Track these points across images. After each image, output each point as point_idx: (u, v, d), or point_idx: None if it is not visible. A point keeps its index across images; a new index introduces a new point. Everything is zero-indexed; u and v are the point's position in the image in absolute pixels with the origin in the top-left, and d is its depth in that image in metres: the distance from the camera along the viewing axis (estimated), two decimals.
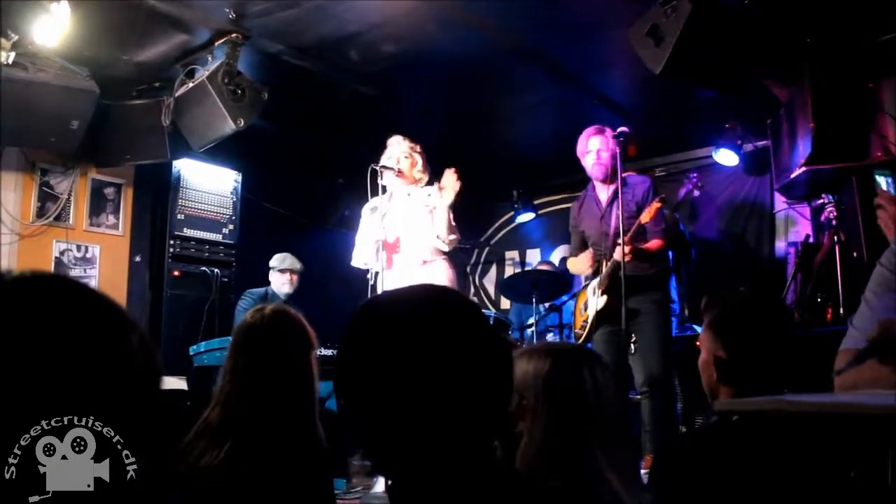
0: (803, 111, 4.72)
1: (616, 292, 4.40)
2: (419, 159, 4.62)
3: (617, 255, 4.35)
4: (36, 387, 0.76)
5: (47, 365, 0.77)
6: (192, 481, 2.05)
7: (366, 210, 4.68)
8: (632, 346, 4.78)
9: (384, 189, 4.49)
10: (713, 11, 3.91)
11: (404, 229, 4.55)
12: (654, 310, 4.52)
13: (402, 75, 5.39)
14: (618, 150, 4.44)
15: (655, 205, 4.36)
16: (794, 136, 4.95)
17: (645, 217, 4.38)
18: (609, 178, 4.63)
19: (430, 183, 4.69)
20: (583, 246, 4.93)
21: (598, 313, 4.61)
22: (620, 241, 4.30)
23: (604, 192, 4.71)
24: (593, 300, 4.69)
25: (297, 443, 2.14)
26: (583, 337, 4.75)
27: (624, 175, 4.68)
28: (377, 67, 5.31)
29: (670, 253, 5.51)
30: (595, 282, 4.70)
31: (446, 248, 4.57)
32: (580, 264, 4.82)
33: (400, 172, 4.54)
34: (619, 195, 4.39)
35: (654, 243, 4.57)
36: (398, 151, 4.59)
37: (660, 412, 4.49)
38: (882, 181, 2.01)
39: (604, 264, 4.57)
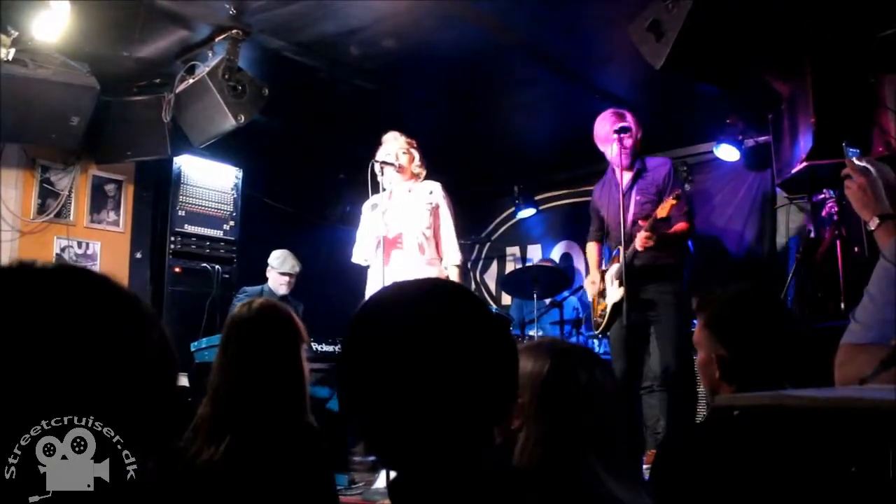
0: (804, 106, 4.72)
1: (635, 282, 4.36)
2: (416, 154, 4.63)
3: (637, 242, 4.31)
4: (56, 384, 0.76)
5: (67, 362, 0.76)
6: (191, 478, 2.05)
7: (366, 207, 4.68)
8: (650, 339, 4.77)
9: (383, 186, 4.50)
10: (714, 6, 3.90)
11: (404, 226, 4.55)
12: (672, 301, 4.45)
13: (402, 71, 5.39)
14: (637, 139, 4.45)
15: (670, 202, 4.30)
16: (795, 131, 4.95)
17: (660, 212, 4.31)
18: (631, 164, 4.61)
19: (428, 177, 4.70)
20: (601, 228, 4.89)
21: (616, 304, 4.54)
22: (642, 229, 4.27)
23: (625, 177, 4.64)
24: (611, 290, 4.64)
25: (289, 434, 2.15)
26: (602, 325, 4.70)
27: (644, 158, 4.69)
28: (378, 63, 5.30)
29: None
30: (613, 271, 4.64)
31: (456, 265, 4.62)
32: (590, 285, 4.84)
33: (401, 168, 4.54)
34: (619, 186, 4.39)
35: (679, 226, 4.52)
36: (396, 147, 4.59)
37: (675, 406, 4.45)
38: (853, 156, 2.00)
39: (621, 253, 4.44)
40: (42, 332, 0.77)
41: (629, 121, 4.57)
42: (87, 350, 0.78)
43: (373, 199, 4.55)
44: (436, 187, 4.62)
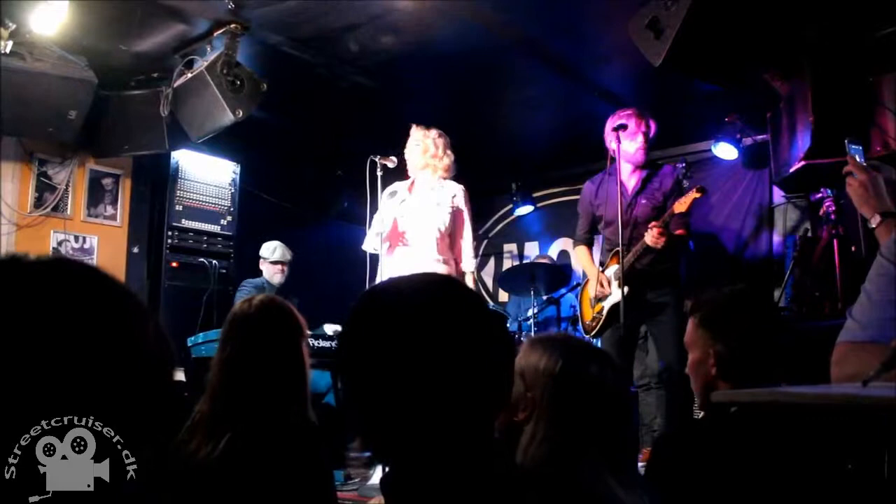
0: (803, 105, 4.71)
1: (635, 285, 4.36)
2: (431, 145, 4.55)
3: (648, 238, 4.29)
4: (49, 383, 0.75)
5: (62, 360, 0.76)
6: (189, 476, 2.05)
7: (385, 194, 4.60)
8: (646, 340, 4.76)
9: (407, 176, 4.47)
10: (713, 4, 3.90)
11: (416, 222, 4.50)
12: (672, 304, 4.46)
13: (401, 67, 5.38)
14: (618, 145, 4.44)
15: (693, 195, 4.29)
16: (793, 130, 4.95)
17: (680, 206, 4.30)
18: (642, 165, 4.59)
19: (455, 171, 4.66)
20: (592, 230, 4.86)
21: (614, 306, 4.51)
22: (652, 226, 4.26)
23: (632, 179, 4.62)
24: (610, 291, 4.64)
25: (290, 431, 2.14)
26: (595, 329, 4.68)
27: (656, 162, 4.70)
28: (376, 59, 5.29)
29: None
30: (611, 272, 4.62)
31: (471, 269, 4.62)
32: (596, 286, 4.74)
33: (407, 163, 4.52)
34: (625, 185, 4.38)
35: (678, 231, 4.52)
36: (410, 142, 4.57)
37: (673, 404, 4.45)
38: (855, 153, 2.01)
39: (621, 254, 4.41)
40: (37, 327, 0.76)
41: (638, 121, 4.55)
42: (84, 345, 0.77)
43: (394, 185, 4.51)
44: (459, 191, 4.57)
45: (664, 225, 4.29)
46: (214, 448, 2.07)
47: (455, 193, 4.57)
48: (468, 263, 4.62)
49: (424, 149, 4.54)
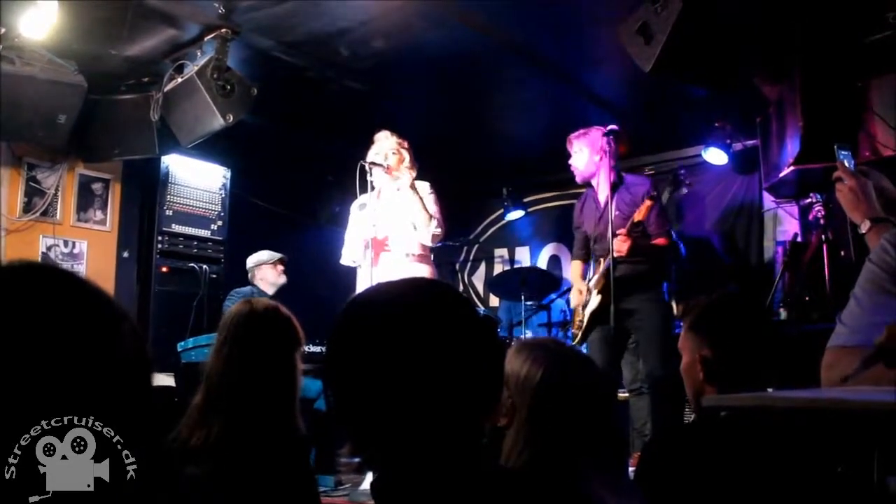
0: (792, 110, 4.74)
1: (616, 292, 4.40)
2: (406, 155, 4.59)
3: (615, 247, 4.34)
4: (35, 384, 0.75)
5: (44, 361, 0.76)
6: (179, 466, 2.05)
7: (354, 207, 4.66)
8: (629, 345, 4.81)
9: (372, 186, 4.46)
10: (703, 9, 3.91)
11: (392, 227, 4.53)
12: (652, 308, 4.53)
13: (391, 71, 5.38)
14: (608, 149, 4.48)
15: (647, 203, 4.38)
16: (783, 135, 4.97)
17: (637, 216, 4.38)
18: (609, 178, 4.64)
19: (418, 178, 4.68)
20: (585, 247, 4.95)
21: (593, 313, 4.61)
22: (618, 234, 4.32)
23: (602, 192, 4.70)
24: (589, 300, 4.69)
25: (277, 436, 2.15)
26: (578, 337, 4.75)
27: (624, 174, 4.73)
28: (367, 63, 5.29)
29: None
30: (592, 282, 4.70)
31: (429, 242, 4.55)
32: (576, 294, 4.89)
33: (389, 168, 4.52)
34: (598, 201, 4.41)
35: (659, 241, 4.60)
36: (386, 147, 4.56)
37: (660, 409, 4.49)
38: (844, 158, 2.02)
39: (601, 263, 4.56)
40: (22, 332, 0.76)
41: (592, 136, 4.71)
42: (66, 349, 0.78)
43: (361, 198, 4.53)
44: (423, 186, 4.60)
45: (628, 233, 4.34)
46: (205, 442, 2.08)
47: (419, 188, 4.56)
48: (423, 234, 4.50)
49: (401, 159, 4.56)
